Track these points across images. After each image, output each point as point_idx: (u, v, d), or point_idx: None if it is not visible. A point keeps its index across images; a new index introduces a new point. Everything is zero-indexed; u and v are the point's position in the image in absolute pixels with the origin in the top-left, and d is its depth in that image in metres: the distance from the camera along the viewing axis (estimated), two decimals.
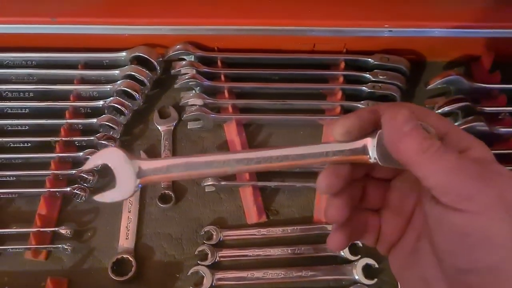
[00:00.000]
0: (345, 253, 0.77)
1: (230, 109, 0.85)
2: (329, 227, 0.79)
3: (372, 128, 0.44)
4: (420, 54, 0.91)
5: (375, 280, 0.76)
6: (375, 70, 0.87)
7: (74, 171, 0.80)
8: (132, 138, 0.87)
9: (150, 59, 0.86)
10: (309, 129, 0.87)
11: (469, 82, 0.84)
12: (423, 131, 0.41)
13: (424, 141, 0.40)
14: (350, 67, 0.89)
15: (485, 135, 0.83)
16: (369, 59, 0.87)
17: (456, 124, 0.83)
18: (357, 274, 0.76)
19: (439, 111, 0.84)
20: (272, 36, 0.84)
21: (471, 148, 0.42)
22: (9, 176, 0.80)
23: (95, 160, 0.47)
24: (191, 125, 0.85)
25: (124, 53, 0.86)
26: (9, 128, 0.83)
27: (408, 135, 0.40)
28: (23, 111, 0.84)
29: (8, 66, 0.86)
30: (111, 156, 0.46)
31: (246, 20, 0.81)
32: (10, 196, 0.80)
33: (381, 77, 0.86)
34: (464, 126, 0.82)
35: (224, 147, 0.86)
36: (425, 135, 0.40)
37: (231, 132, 0.85)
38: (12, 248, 0.76)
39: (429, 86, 0.85)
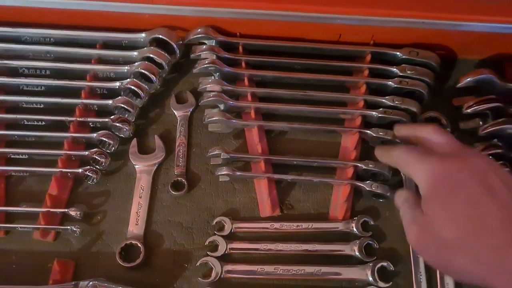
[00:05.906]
0: (360, 253, 0.74)
1: (253, 114, 0.82)
2: (343, 227, 0.76)
3: None
4: (451, 50, 0.86)
5: (390, 283, 0.73)
6: (403, 65, 0.83)
7: (87, 152, 0.78)
8: (148, 122, 0.84)
9: (170, 41, 0.83)
10: (327, 136, 0.84)
11: (502, 83, 0.80)
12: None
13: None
14: (377, 60, 0.85)
15: None
16: (397, 53, 0.83)
17: (485, 126, 0.79)
18: (371, 276, 0.73)
19: (469, 110, 0.80)
20: (297, 23, 0.80)
21: None
22: (22, 153, 0.79)
23: None
24: (211, 128, 0.83)
25: (143, 34, 0.84)
26: (24, 105, 0.82)
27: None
28: (39, 89, 0.82)
29: (26, 42, 0.85)
30: None
31: (271, 5, 0.78)
32: (22, 174, 0.79)
33: (409, 72, 0.82)
34: (493, 128, 0.78)
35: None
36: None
37: (252, 137, 0.83)
38: (20, 227, 0.75)
39: (459, 85, 0.81)
